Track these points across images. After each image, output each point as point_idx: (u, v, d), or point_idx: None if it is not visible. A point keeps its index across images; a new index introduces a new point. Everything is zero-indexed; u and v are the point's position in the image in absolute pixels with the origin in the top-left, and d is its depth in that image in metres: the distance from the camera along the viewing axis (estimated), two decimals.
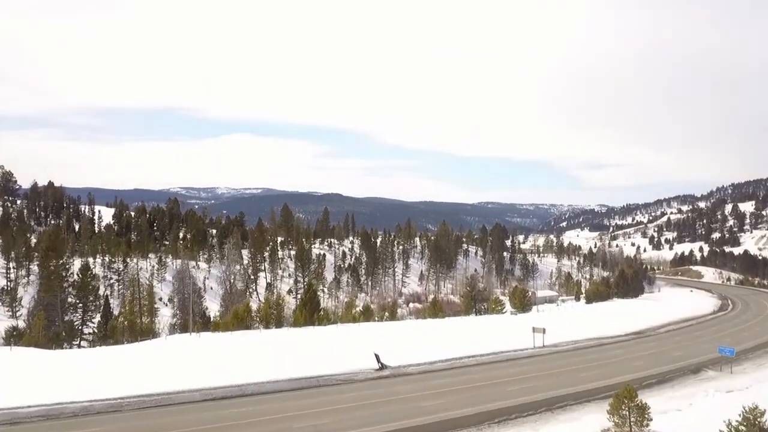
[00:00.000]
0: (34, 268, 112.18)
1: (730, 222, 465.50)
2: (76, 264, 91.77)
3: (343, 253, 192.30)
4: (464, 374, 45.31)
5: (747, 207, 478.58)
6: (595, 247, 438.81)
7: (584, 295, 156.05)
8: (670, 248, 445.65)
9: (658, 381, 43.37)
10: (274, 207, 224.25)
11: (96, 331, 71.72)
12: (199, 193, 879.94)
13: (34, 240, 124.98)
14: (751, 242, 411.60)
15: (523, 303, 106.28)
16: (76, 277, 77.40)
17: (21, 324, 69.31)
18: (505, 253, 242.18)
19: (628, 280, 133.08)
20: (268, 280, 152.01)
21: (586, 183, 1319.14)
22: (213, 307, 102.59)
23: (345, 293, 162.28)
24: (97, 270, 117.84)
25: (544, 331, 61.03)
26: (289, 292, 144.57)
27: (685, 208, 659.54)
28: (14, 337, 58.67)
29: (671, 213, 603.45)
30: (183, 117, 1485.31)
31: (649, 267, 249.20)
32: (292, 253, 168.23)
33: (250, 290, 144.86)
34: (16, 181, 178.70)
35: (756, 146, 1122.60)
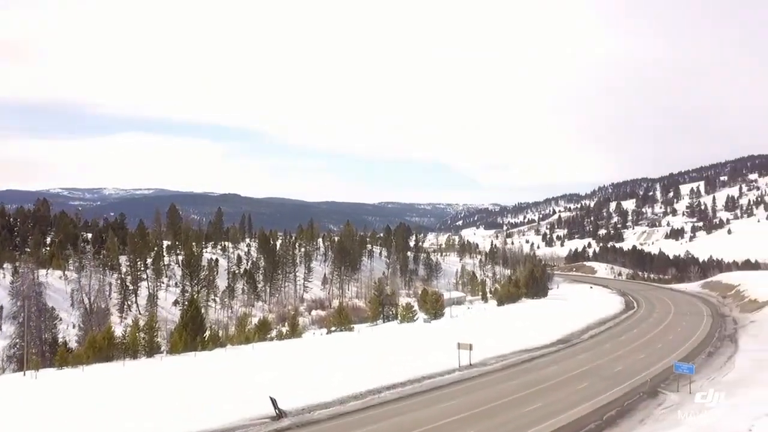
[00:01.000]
0: None
1: (615, 219, 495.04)
2: None
3: (239, 257, 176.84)
4: (385, 417, 35.52)
5: (629, 205, 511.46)
6: (492, 244, 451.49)
7: (492, 296, 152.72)
8: (562, 245, 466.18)
9: (619, 412, 36.00)
10: (163, 208, 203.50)
11: None
12: (84, 194, 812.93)
13: None
14: (633, 237, 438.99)
15: (436, 308, 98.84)
16: None
17: None
18: (409, 253, 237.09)
19: (537, 279, 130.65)
20: (151, 291, 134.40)
21: (480, 183, 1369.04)
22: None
23: (240, 302, 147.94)
24: None
25: (470, 347, 52.82)
26: (176, 303, 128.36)
27: (571, 206, 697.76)
28: None
29: (561, 211, 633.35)
30: (67, 113, 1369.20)
31: (544, 263, 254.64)
32: (180, 258, 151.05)
33: (129, 303, 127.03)
34: None
35: (634, 148, 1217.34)
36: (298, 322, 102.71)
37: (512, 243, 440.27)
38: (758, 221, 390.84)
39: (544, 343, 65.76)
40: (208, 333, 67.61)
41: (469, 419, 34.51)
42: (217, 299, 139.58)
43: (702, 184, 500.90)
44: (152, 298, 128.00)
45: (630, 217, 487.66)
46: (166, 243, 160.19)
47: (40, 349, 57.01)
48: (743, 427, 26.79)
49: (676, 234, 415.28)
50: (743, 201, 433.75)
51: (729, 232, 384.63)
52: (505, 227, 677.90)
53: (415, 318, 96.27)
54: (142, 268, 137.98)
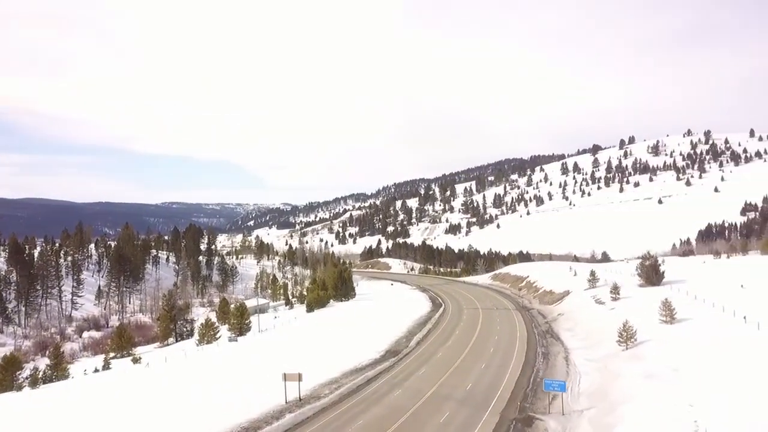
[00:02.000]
0: None
1: (401, 216, 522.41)
2: None
3: None
4: None
5: (413, 203, 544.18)
6: (287, 244, 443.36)
7: (297, 300, 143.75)
8: (354, 242, 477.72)
9: None
10: None
11: None
12: None
13: None
14: (417, 233, 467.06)
15: (241, 323, 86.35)
16: None
17: None
18: (201, 257, 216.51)
19: (346, 280, 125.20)
20: None
21: (270, 183, 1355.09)
22: None
23: None
24: None
25: (300, 378, 43.08)
26: None
27: (359, 205, 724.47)
28: None
29: (351, 210, 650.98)
30: None
31: (349, 262, 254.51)
32: None
33: None
34: None
35: (413, 151, 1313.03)
36: (64, 352, 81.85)
37: (307, 242, 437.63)
38: (521, 216, 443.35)
39: (373, 357, 58.75)
40: None
41: None
42: None
43: (474, 183, 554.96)
44: None
45: (414, 215, 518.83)
46: None
47: None
48: None
49: (454, 229, 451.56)
50: (507, 198, 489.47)
51: (498, 226, 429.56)
52: (298, 226, 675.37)
53: (217, 336, 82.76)
54: None
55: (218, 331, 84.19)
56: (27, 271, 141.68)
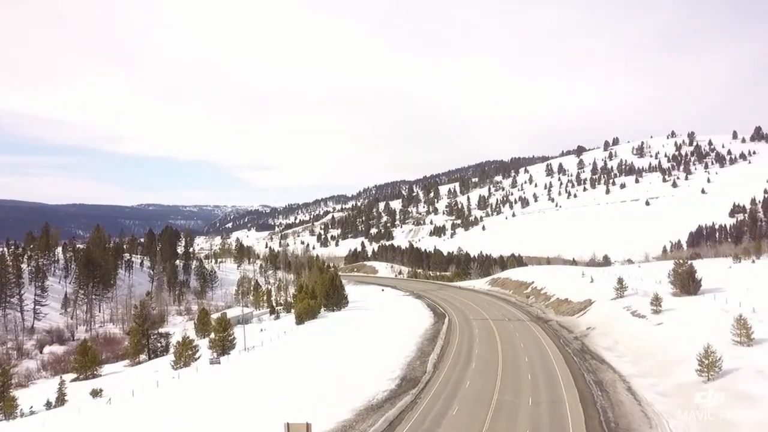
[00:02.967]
0: None
1: (384, 218, 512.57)
2: None
3: None
4: None
5: (396, 205, 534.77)
6: (268, 247, 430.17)
7: (283, 308, 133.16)
8: (337, 244, 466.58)
9: None
10: None
11: None
12: None
13: None
14: (401, 235, 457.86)
15: (224, 339, 75.35)
16: None
17: None
18: (178, 261, 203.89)
19: (338, 288, 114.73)
20: None
21: (248, 184, 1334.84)
22: None
23: None
24: None
25: (308, 429, 32.72)
26: None
27: (339, 206, 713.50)
28: None
29: (334, 212, 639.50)
30: None
31: (335, 266, 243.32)
32: None
33: None
34: None
35: (393, 153, 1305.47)
36: (13, 377, 70.10)
37: (288, 245, 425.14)
38: (506, 218, 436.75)
39: (388, 386, 48.59)
40: None
41: None
42: None
43: (457, 185, 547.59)
44: None
45: (398, 216, 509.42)
46: None
47: None
48: None
49: (439, 231, 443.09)
50: (492, 200, 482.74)
51: (483, 228, 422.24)
52: (278, 228, 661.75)
53: (197, 356, 71.70)
54: None
55: (197, 350, 73.08)
56: None
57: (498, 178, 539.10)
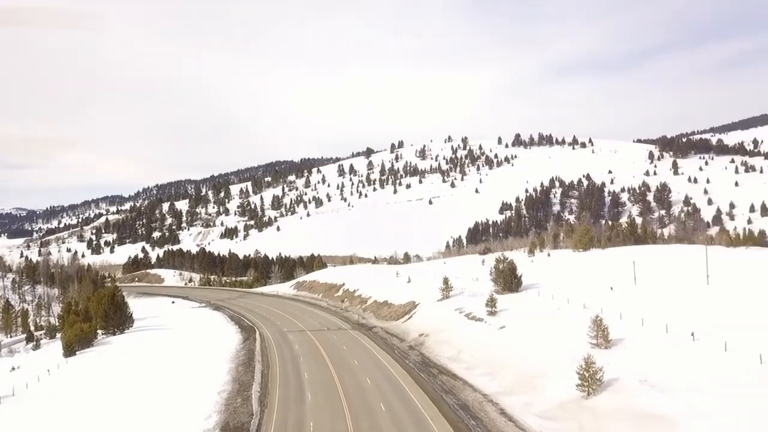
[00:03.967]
0: None
1: (169, 220, 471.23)
2: None
3: None
4: None
5: (182, 205, 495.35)
6: (24, 257, 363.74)
7: (47, 334, 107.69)
8: (112, 251, 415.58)
9: None
10: None
11: None
12: None
13: None
14: (189, 239, 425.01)
15: None
16: None
17: None
18: None
19: (120, 305, 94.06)
20: None
21: None
22: None
23: None
24: None
25: None
26: None
27: (114, 208, 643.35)
28: None
29: (108, 214, 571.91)
30: None
31: (102, 274, 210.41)
32: None
33: None
34: None
35: (180, 151, 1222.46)
36: None
37: (50, 253, 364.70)
38: (300, 218, 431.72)
39: None
40: None
41: None
42: None
43: (249, 184, 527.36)
44: None
45: (185, 218, 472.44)
46: None
47: None
48: None
49: (231, 233, 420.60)
50: (286, 200, 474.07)
51: (278, 228, 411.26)
52: (37, 234, 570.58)
53: None
54: None
55: None
56: None
57: (291, 177, 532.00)
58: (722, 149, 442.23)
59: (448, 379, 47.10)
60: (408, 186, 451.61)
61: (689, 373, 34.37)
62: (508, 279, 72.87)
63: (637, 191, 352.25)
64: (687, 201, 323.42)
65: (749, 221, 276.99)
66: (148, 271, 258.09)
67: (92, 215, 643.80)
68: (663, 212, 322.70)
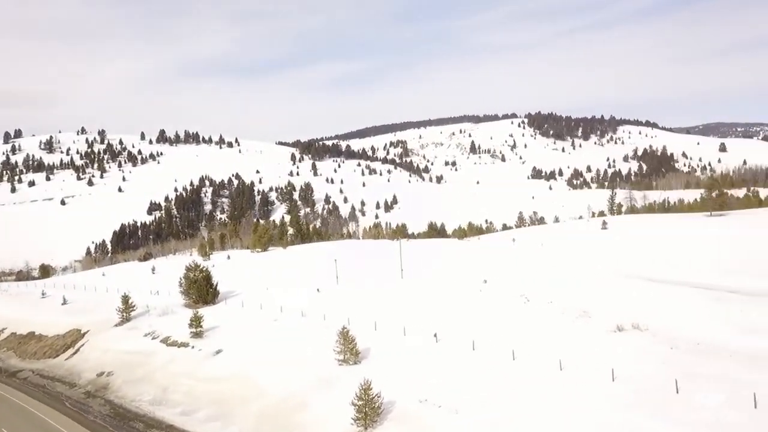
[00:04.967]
0: None
1: None
2: None
3: None
4: None
5: None
6: None
7: None
8: None
9: None
10: None
11: None
12: None
13: None
14: None
15: None
16: None
17: None
18: None
19: None
20: None
21: None
22: None
23: None
24: None
25: None
26: None
27: None
28: None
29: None
30: None
31: None
32: None
33: None
34: None
35: None
36: None
37: None
38: None
39: None
40: None
41: None
42: None
43: None
44: None
45: None
46: None
47: None
48: None
49: None
50: None
51: None
52: None
53: None
54: None
55: None
56: None
57: None
58: (351, 154, 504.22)
59: None
60: (32, 183, 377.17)
61: (465, 383, 32.41)
62: (203, 289, 63.02)
63: (284, 190, 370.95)
64: (327, 199, 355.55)
65: (377, 216, 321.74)
66: None
67: None
68: (308, 210, 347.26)
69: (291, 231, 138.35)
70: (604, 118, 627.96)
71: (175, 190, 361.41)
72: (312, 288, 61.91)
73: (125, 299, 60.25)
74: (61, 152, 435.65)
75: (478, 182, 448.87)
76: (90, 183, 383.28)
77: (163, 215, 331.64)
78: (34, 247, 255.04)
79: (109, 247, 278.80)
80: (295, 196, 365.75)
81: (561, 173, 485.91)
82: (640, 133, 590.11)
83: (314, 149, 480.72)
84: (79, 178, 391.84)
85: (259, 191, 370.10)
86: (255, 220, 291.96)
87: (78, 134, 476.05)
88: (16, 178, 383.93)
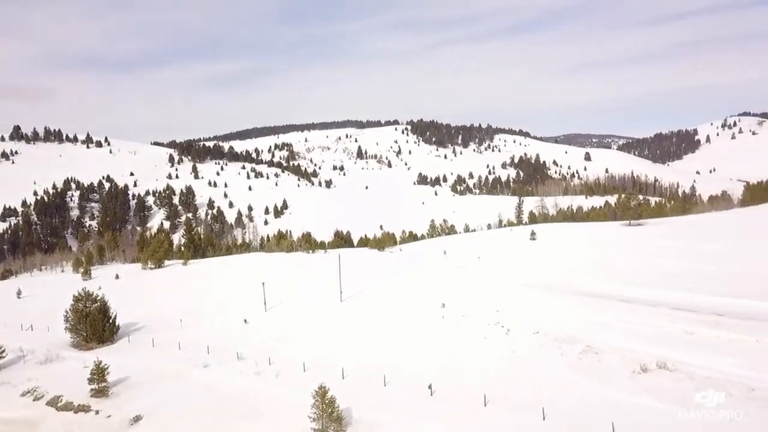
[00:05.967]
0: None
1: None
2: None
3: None
4: None
5: None
6: None
7: None
8: None
9: None
10: None
11: None
12: None
13: None
14: None
15: None
16: None
17: None
18: None
19: None
20: None
21: None
22: None
23: None
24: None
25: None
26: None
27: None
28: None
29: None
30: None
31: None
32: None
33: None
34: None
35: None
36: None
37: None
38: None
39: None
40: None
41: None
42: None
43: None
44: None
45: None
46: None
47: None
48: None
49: None
50: None
51: None
52: None
53: None
54: None
55: None
56: None
57: None
58: (234, 156, 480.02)
59: None
60: None
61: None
62: (98, 324, 50.29)
63: (163, 194, 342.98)
64: (211, 204, 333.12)
65: (266, 222, 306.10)
66: None
67: None
68: (191, 215, 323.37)
69: (183, 241, 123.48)
70: (482, 126, 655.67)
71: (35, 193, 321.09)
72: (237, 317, 51.79)
73: None
74: None
75: (366, 187, 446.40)
76: None
77: (20, 222, 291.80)
78: None
79: None
80: (175, 200, 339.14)
81: (445, 179, 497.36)
82: (514, 141, 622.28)
83: (194, 150, 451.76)
84: None
85: (134, 195, 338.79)
86: (131, 227, 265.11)
87: None
88: None
